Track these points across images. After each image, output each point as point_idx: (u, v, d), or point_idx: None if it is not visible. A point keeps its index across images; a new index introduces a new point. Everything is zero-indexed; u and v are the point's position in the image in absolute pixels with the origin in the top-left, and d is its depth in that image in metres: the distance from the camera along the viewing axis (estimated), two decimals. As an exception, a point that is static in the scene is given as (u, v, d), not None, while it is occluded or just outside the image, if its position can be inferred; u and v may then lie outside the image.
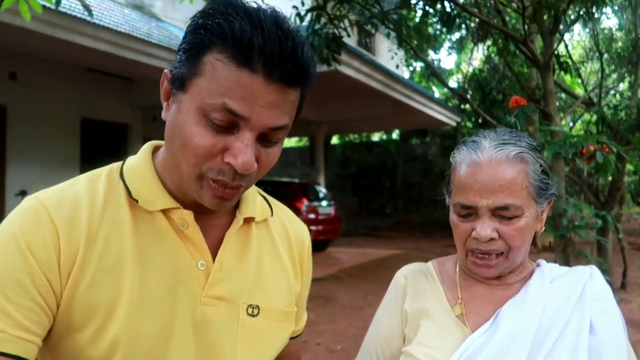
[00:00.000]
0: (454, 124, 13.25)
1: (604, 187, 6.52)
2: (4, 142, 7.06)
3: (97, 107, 8.18)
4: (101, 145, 8.51)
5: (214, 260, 0.78)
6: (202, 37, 0.66)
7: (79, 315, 0.68)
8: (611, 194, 5.91)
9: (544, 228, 0.95)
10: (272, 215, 0.90)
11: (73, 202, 0.72)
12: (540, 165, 0.91)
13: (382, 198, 17.92)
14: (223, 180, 0.69)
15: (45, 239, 0.67)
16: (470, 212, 0.90)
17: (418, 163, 17.56)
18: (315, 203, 10.60)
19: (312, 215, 10.08)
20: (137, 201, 0.74)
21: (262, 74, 0.65)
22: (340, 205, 12.55)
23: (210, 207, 0.73)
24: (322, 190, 11.35)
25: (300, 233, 0.95)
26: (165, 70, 0.74)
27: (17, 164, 7.12)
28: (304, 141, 19.95)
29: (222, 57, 0.65)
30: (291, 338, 0.93)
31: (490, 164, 0.88)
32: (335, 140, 19.11)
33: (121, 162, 0.81)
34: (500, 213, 0.87)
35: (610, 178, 6.03)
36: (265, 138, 0.70)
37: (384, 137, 19.86)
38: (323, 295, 6.77)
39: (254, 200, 0.87)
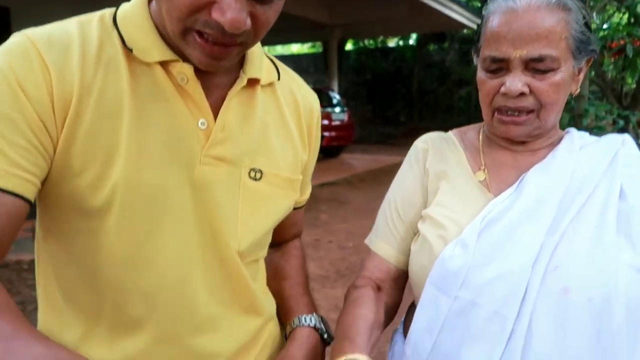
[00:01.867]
0: (474, 26, 12.65)
1: (629, 91, 6.28)
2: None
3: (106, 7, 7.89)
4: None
5: (215, 120, 0.74)
6: None
7: (78, 160, 0.66)
8: (635, 97, 5.70)
9: (578, 90, 0.88)
10: (279, 80, 0.84)
11: (65, 42, 0.66)
12: (584, 17, 0.82)
13: (396, 105, 17.63)
14: (211, 33, 0.63)
15: (37, 77, 0.62)
16: (500, 67, 0.82)
17: (435, 69, 17.04)
18: (329, 109, 10.49)
19: (325, 122, 10.01)
20: (131, 50, 0.68)
21: None
22: (354, 112, 12.39)
23: (202, 67, 0.68)
24: (335, 96, 11.17)
25: (310, 101, 0.90)
26: None
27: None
28: (317, 47, 19.37)
29: None
30: (295, 208, 0.91)
31: (528, 10, 0.78)
32: (349, 46, 18.49)
33: (114, 8, 0.74)
34: (534, 66, 0.79)
35: (635, 83, 5.78)
36: None
37: (400, 43, 19.13)
38: (336, 198, 6.89)
39: (260, 62, 0.80)
